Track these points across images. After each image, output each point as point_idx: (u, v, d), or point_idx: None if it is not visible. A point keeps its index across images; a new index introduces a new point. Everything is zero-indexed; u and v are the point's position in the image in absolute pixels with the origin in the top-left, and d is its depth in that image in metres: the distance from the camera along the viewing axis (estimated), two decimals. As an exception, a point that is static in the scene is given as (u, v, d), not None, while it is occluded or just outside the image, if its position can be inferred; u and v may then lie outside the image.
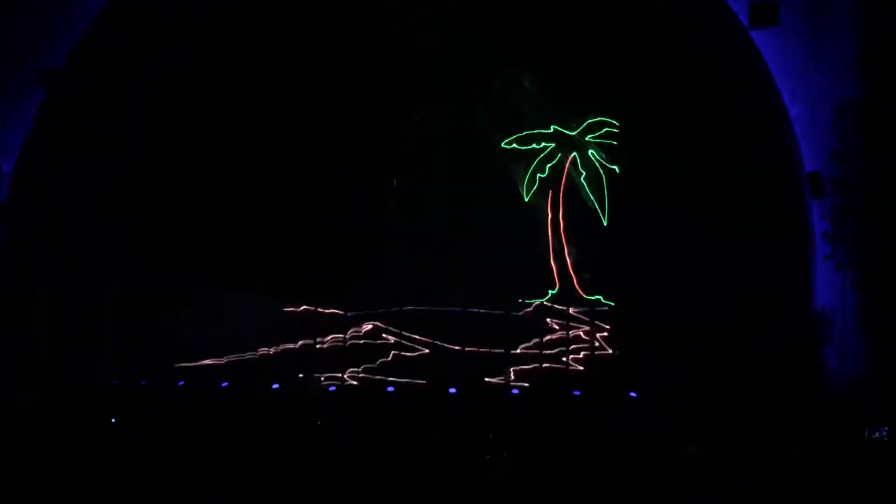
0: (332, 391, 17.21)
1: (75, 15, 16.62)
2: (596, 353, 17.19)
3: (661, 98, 16.80)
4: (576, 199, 17.70)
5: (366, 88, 17.18)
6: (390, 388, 17.00)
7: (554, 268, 17.40)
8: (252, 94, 17.50)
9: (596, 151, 17.39)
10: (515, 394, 16.82)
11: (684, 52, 16.66)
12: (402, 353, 17.53)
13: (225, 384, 17.42)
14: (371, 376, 17.45)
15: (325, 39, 17.38)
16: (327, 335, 17.78)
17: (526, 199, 17.55)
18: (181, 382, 17.46)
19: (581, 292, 17.45)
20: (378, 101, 17.17)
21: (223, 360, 17.81)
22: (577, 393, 16.64)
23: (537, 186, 17.55)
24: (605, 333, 17.29)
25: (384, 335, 17.70)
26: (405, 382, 17.13)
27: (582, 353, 17.32)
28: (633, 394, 16.50)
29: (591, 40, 16.86)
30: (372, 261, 17.41)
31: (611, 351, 17.16)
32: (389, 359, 17.53)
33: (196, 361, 17.81)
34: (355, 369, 17.48)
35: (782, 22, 15.55)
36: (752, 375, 15.55)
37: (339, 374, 17.45)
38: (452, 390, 16.80)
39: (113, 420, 16.92)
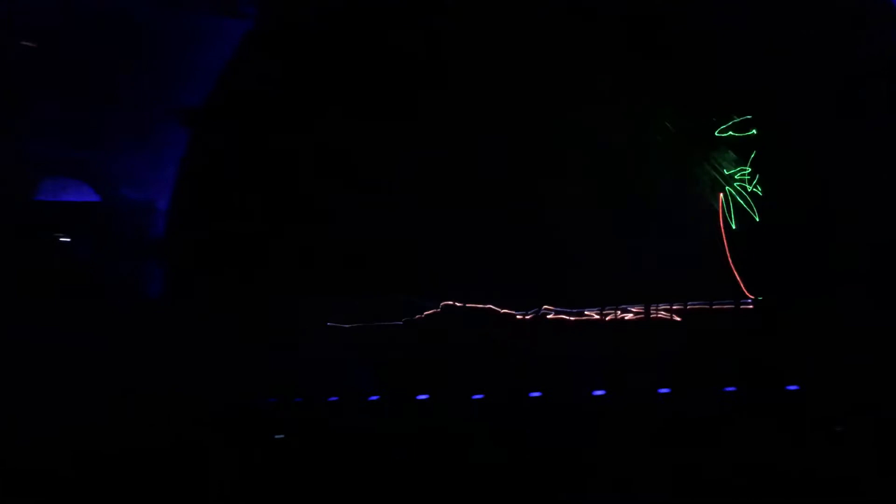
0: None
1: (211, 54, 17.63)
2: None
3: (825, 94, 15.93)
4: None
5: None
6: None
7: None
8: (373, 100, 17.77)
9: None
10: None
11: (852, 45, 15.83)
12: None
13: (374, 398, 17.74)
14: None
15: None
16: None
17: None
18: (333, 398, 17.92)
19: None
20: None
21: None
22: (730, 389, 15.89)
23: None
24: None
25: None
26: None
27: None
28: (793, 387, 15.65)
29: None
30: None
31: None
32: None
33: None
34: None
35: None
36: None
37: None
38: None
39: (277, 436, 17.66)
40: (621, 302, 17.05)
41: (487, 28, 16.95)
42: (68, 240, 18.75)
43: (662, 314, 16.89)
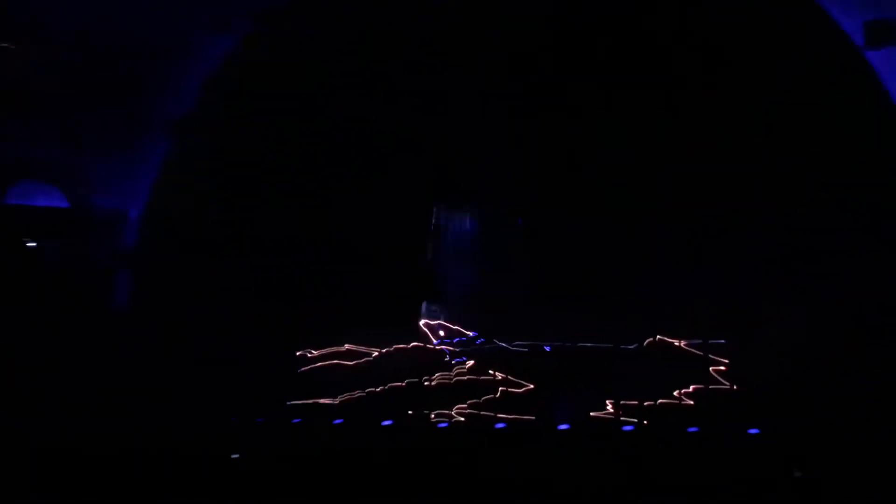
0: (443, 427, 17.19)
1: (198, 66, 17.60)
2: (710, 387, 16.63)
3: (771, 124, 16.42)
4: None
5: None
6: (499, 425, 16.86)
7: None
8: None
9: None
10: (628, 430, 16.35)
11: (796, 74, 16.29)
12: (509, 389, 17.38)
13: (338, 421, 17.63)
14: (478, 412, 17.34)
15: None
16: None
17: None
18: (296, 420, 17.78)
19: None
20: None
21: (336, 400, 18.06)
22: (693, 430, 16.09)
23: None
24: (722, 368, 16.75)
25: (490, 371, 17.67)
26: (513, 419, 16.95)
27: (692, 388, 16.80)
28: (754, 431, 15.85)
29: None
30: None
31: (728, 385, 16.54)
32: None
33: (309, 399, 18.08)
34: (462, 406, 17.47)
35: (897, 39, 15.15)
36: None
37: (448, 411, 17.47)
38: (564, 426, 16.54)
39: (235, 455, 17.44)
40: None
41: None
42: (34, 245, 18.43)
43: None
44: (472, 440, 16.43)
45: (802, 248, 16.31)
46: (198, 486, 15.78)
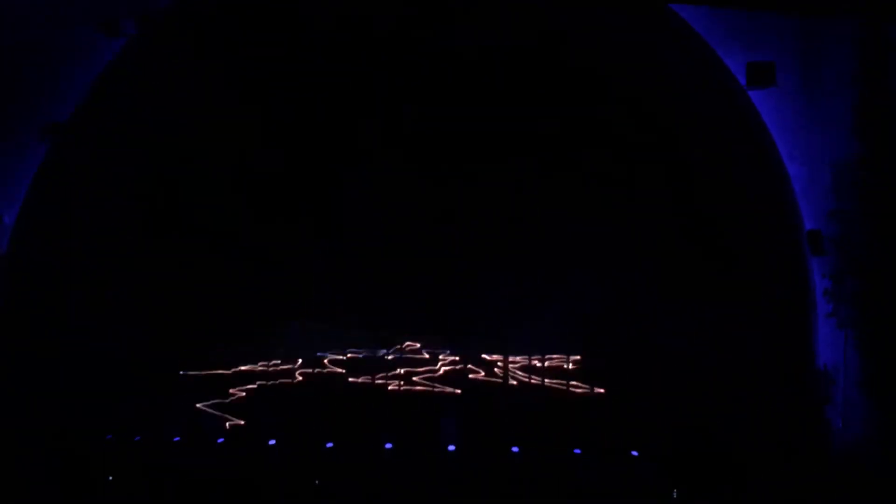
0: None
1: (83, 69, 16.80)
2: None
3: (659, 157, 16.89)
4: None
5: None
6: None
7: None
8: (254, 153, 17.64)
9: None
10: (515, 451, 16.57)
11: (683, 110, 16.82)
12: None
13: (221, 440, 17.19)
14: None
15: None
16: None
17: None
18: (176, 438, 17.23)
19: None
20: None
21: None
22: (577, 451, 16.46)
23: None
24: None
25: None
26: None
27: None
28: (634, 453, 16.34)
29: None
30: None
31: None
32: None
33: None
34: None
35: (779, 83, 15.90)
36: (754, 434, 15.49)
37: None
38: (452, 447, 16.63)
39: (110, 478, 16.78)
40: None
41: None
42: None
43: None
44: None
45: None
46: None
